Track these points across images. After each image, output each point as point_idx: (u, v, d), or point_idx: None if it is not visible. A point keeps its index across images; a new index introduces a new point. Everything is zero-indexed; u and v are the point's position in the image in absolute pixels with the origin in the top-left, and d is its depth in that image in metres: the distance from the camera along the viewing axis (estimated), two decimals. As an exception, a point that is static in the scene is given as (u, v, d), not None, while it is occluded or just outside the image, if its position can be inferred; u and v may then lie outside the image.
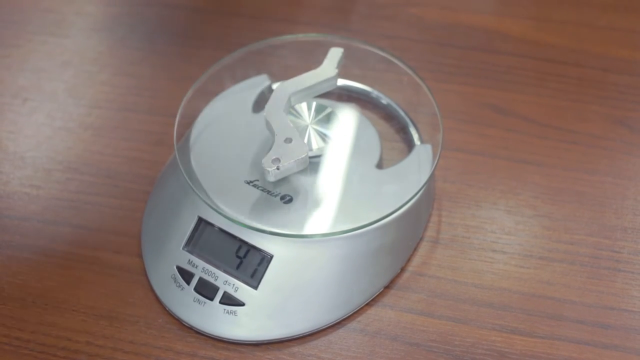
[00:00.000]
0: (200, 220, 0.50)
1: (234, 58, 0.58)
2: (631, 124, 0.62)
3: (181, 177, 0.51)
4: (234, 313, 0.48)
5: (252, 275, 0.49)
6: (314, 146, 0.52)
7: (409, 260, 0.53)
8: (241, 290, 0.48)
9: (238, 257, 0.49)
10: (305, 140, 0.52)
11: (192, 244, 0.50)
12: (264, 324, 0.48)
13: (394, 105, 0.59)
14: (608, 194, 0.57)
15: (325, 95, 0.59)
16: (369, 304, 0.51)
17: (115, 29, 0.70)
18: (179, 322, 0.50)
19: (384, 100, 0.60)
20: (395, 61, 0.58)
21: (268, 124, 0.51)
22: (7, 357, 0.49)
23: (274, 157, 0.48)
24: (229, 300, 0.48)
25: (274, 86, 0.60)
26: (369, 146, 0.55)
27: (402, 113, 0.59)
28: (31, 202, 0.57)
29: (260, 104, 0.58)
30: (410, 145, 0.57)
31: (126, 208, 0.56)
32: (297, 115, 0.53)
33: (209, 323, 0.49)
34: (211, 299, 0.49)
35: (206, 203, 0.50)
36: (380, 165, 0.54)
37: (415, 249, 0.54)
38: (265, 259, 0.49)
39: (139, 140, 0.61)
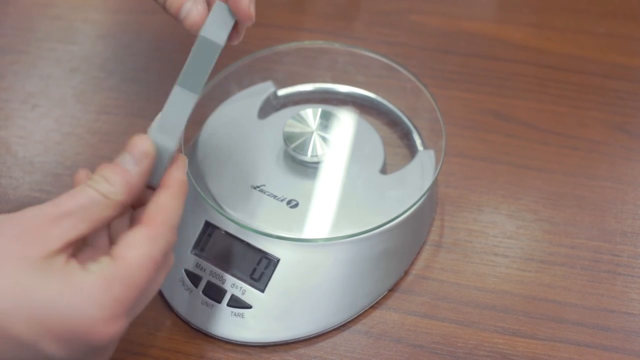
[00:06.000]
0: (208, 224, 0.51)
1: (239, 65, 0.59)
2: (630, 130, 0.63)
3: (189, 182, 0.52)
4: (241, 315, 0.49)
5: (259, 279, 0.49)
6: (319, 152, 0.53)
7: (412, 263, 0.54)
8: (248, 293, 0.49)
9: (245, 260, 0.50)
10: (310, 146, 0.53)
11: (200, 247, 0.51)
12: (270, 327, 0.49)
13: (397, 112, 0.60)
14: (608, 198, 0.58)
15: (330, 101, 0.60)
16: (374, 306, 0.52)
17: (122, 36, 0.71)
18: (187, 324, 0.51)
19: (388, 106, 0.61)
20: (398, 68, 0.58)
21: None
22: (18, 358, 0.49)
23: None
24: (237, 303, 0.49)
25: (280, 92, 0.61)
26: (372, 152, 0.55)
27: (405, 119, 0.60)
28: (41, 207, 0.57)
29: (265, 110, 0.59)
30: (413, 151, 0.58)
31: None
32: (302, 121, 0.54)
33: (217, 325, 0.49)
34: (219, 301, 0.50)
35: (213, 208, 0.50)
36: (384, 171, 0.55)
37: (418, 253, 0.54)
38: (272, 262, 0.49)
39: (146, 145, 0.61)
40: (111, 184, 0.38)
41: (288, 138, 0.53)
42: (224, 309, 0.49)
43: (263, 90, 0.60)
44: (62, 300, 0.36)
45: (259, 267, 0.50)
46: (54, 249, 0.36)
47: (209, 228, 0.51)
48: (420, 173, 0.54)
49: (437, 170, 0.53)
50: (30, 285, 0.35)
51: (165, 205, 0.40)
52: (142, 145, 0.40)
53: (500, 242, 0.55)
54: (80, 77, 0.67)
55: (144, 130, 0.62)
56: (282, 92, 0.61)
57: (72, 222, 0.37)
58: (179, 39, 0.71)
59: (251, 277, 0.50)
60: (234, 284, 0.50)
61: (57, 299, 0.36)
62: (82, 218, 0.37)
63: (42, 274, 0.36)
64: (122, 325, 0.38)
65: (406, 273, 0.53)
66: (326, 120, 0.54)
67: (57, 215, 0.37)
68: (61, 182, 0.59)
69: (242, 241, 0.50)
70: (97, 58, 0.69)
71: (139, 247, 0.38)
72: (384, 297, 0.52)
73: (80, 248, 0.39)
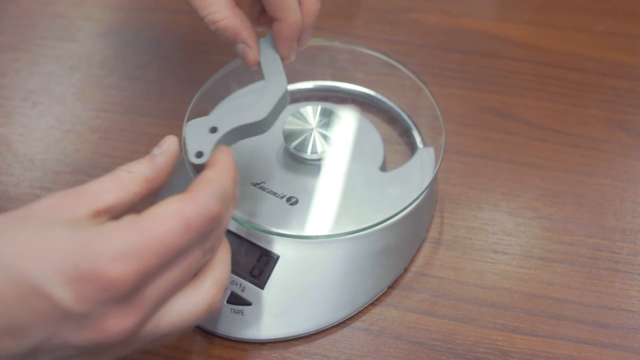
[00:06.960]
0: (208, 221, 0.51)
1: (239, 62, 0.59)
2: (629, 127, 0.63)
3: (189, 180, 0.52)
4: (241, 312, 0.49)
5: (259, 276, 0.50)
6: (319, 149, 0.53)
7: (412, 261, 0.54)
8: (248, 290, 0.49)
9: (245, 257, 0.50)
10: (310, 144, 0.53)
11: (200, 244, 0.51)
12: (270, 324, 0.49)
13: (397, 109, 0.60)
14: (607, 196, 0.58)
15: (329, 99, 0.60)
16: (373, 303, 0.52)
17: (122, 33, 0.71)
18: (187, 321, 0.51)
19: (387, 104, 0.61)
20: (398, 66, 0.59)
21: None
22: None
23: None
24: (236, 300, 0.49)
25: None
26: (372, 149, 0.56)
27: (405, 117, 0.60)
28: (41, 204, 0.57)
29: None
30: (413, 148, 0.58)
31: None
32: (302, 119, 0.54)
33: (216, 322, 0.50)
34: (219, 298, 0.50)
35: (214, 205, 0.50)
36: (383, 168, 0.55)
37: (418, 250, 0.55)
38: (271, 259, 0.50)
39: (146, 143, 0.61)
40: (138, 162, 0.41)
41: (288, 135, 0.53)
42: (223, 306, 0.49)
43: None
44: (74, 243, 0.35)
45: (259, 264, 0.50)
46: (81, 215, 0.37)
47: (209, 225, 0.51)
48: (419, 170, 0.54)
49: (437, 168, 0.53)
50: (47, 234, 0.36)
51: (206, 178, 0.40)
52: (168, 138, 0.43)
53: (500, 240, 0.55)
54: (81, 75, 0.67)
55: (143, 127, 0.63)
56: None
57: (98, 193, 0.38)
58: (180, 37, 0.71)
59: (251, 274, 0.50)
60: (233, 281, 0.50)
61: (70, 243, 0.35)
62: (108, 189, 0.39)
63: (62, 226, 0.36)
64: (131, 269, 0.35)
65: (406, 270, 0.54)
66: (326, 117, 0.54)
67: (83, 188, 0.38)
68: (61, 179, 0.59)
69: (241, 238, 0.50)
70: (98, 56, 0.69)
71: (167, 204, 0.38)
72: (384, 294, 0.52)
73: None
